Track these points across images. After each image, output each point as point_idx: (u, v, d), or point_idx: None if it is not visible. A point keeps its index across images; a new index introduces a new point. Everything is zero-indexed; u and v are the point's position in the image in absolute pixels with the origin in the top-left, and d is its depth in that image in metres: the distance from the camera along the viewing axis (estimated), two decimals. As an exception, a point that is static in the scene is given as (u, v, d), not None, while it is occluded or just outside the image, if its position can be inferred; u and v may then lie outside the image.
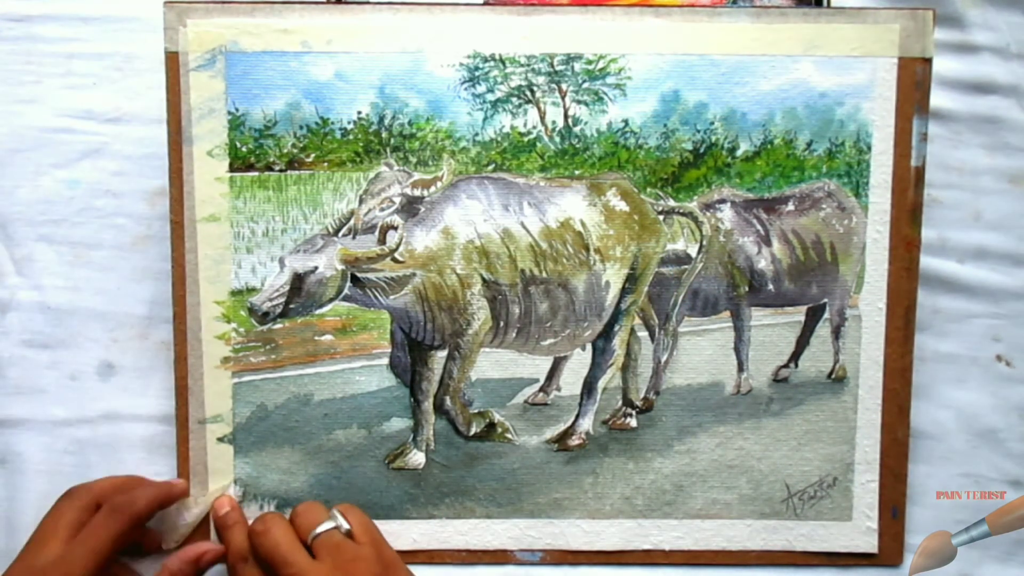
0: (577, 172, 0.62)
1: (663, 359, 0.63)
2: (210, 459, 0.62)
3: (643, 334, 0.63)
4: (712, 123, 0.61)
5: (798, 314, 0.64)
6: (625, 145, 0.61)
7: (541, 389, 0.64)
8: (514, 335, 0.62)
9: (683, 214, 0.62)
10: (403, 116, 0.61)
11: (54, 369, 0.65)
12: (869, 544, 0.64)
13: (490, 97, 0.60)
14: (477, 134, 0.61)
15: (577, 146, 0.61)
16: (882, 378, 0.63)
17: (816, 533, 0.64)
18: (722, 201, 0.62)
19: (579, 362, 0.64)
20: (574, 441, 0.63)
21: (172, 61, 0.60)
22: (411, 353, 0.63)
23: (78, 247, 0.64)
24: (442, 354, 0.63)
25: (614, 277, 0.62)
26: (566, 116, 0.61)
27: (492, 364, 0.63)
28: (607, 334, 0.63)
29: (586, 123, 0.61)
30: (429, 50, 0.60)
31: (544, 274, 0.62)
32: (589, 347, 0.64)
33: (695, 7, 0.60)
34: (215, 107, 0.60)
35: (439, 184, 0.61)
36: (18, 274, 0.65)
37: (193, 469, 0.62)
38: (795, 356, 0.64)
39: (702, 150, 0.62)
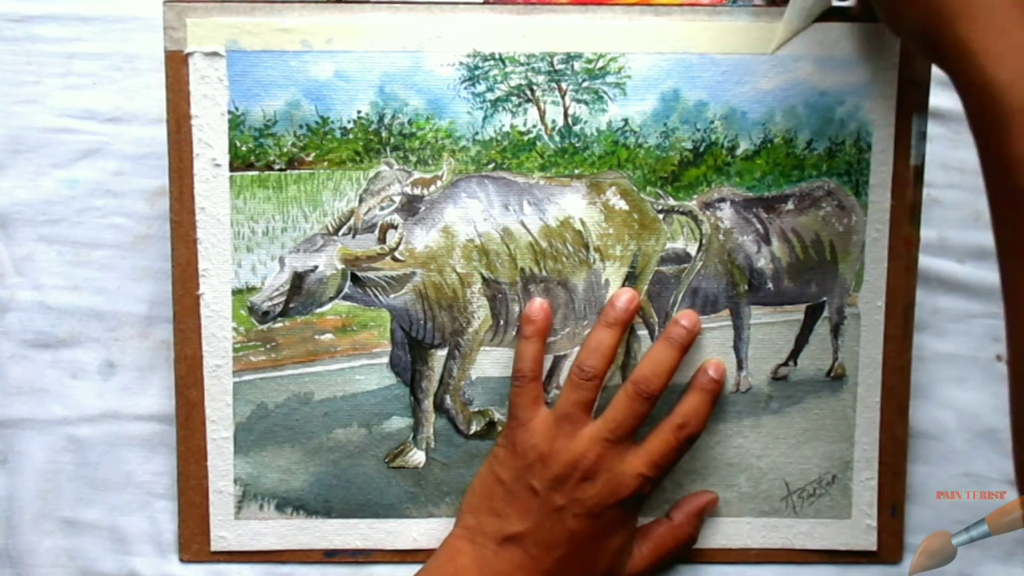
0: (577, 171, 0.62)
1: (663, 358, 0.63)
2: (210, 458, 0.62)
3: (643, 332, 0.63)
4: (712, 122, 0.61)
5: (797, 312, 0.64)
6: (625, 144, 0.61)
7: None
8: (514, 334, 0.62)
9: (683, 213, 0.62)
10: (403, 115, 0.61)
11: (55, 368, 0.65)
12: (868, 542, 0.64)
13: (490, 96, 0.60)
14: (477, 133, 0.61)
15: (577, 145, 0.61)
16: (881, 376, 0.63)
17: (815, 531, 0.64)
18: (722, 200, 0.62)
19: (579, 361, 0.64)
20: (574, 440, 0.63)
21: (172, 60, 0.60)
22: (411, 352, 0.63)
23: (78, 247, 0.65)
24: (442, 353, 0.63)
25: (614, 275, 0.62)
26: (566, 115, 0.61)
27: (492, 363, 0.63)
28: (607, 333, 0.63)
29: (586, 122, 0.61)
30: (429, 49, 0.60)
31: (544, 273, 0.62)
32: (589, 346, 0.64)
33: (695, 6, 0.60)
34: (215, 107, 0.60)
35: (439, 183, 0.61)
36: (18, 274, 0.65)
37: (192, 469, 0.62)
38: (794, 354, 0.64)
39: (702, 149, 0.62)
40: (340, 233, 0.61)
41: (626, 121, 0.61)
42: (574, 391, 0.59)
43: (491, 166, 0.61)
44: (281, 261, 0.61)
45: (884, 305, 0.63)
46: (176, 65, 0.60)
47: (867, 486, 0.64)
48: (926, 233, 0.63)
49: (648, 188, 0.62)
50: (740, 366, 0.63)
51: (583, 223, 0.62)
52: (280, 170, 0.61)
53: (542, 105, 0.61)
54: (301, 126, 0.61)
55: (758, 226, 0.63)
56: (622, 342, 0.62)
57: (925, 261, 0.64)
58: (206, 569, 0.64)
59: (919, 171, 0.62)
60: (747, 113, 0.61)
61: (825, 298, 0.64)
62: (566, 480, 0.58)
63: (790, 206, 0.63)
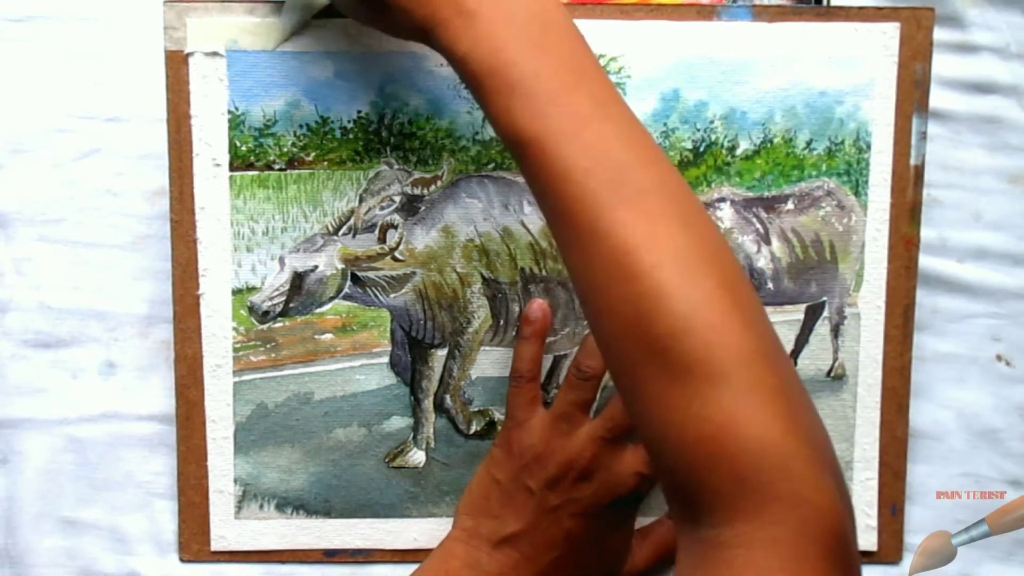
0: (577, 171, 0.61)
1: (663, 358, 0.63)
2: (210, 458, 0.62)
3: (643, 333, 0.63)
4: (712, 122, 0.61)
5: (797, 312, 0.64)
6: (625, 144, 0.61)
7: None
8: (514, 333, 0.62)
9: (683, 213, 0.62)
10: (403, 115, 0.61)
11: (55, 368, 0.65)
12: (868, 541, 0.64)
13: (490, 96, 0.60)
14: (477, 133, 0.61)
15: (577, 145, 0.61)
16: (881, 376, 0.63)
17: (816, 531, 0.64)
18: (722, 200, 0.62)
19: (579, 361, 0.64)
20: (574, 440, 0.63)
21: (172, 60, 0.60)
22: (411, 352, 0.63)
23: (78, 247, 0.64)
24: (442, 352, 0.63)
25: (614, 276, 0.62)
26: (566, 115, 0.61)
27: (492, 362, 0.63)
28: (607, 333, 0.63)
29: (586, 122, 0.61)
30: (429, 49, 0.60)
31: (544, 273, 0.62)
32: (589, 346, 0.64)
33: (695, 6, 0.60)
34: (215, 107, 0.60)
35: (439, 183, 0.61)
36: (18, 274, 0.65)
37: (192, 469, 0.62)
38: (794, 354, 0.64)
39: (702, 149, 0.62)
40: (340, 233, 0.61)
41: (626, 121, 0.61)
42: (572, 391, 0.59)
43: (491, 166, 0.61)
44: (281, 261, 0.61)
45: (884, 305, 0.63)
46: (176, 65, 0.60)
47: (867, 486, 0.64)
48: (926, 233, 0.63)
49: (648, 188, 0.62)
50: (740, 366, 0.63)
51: (583, 223, 0.62)
52: (280, 170, 0.61)
53: (542, 105, 0.61)
54: (301, 126, 0.61)
55: (758, 226, 0.63)
56: (622, 342, 0.62)
57: (925, 261, 0.64)
58: (206, 569, 0.64)
59: (919, 171, 0.62)
60: (747, 113, 0.61)
61: (825, 298, 0.64)
62: (562, 480, 0.58)
63: (790, 206, 0.63)
